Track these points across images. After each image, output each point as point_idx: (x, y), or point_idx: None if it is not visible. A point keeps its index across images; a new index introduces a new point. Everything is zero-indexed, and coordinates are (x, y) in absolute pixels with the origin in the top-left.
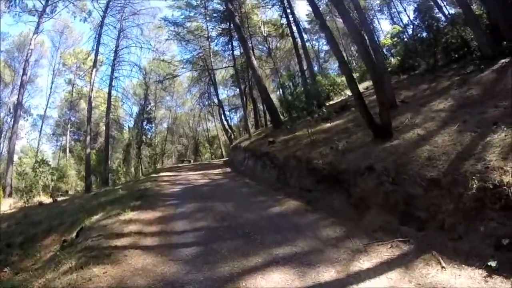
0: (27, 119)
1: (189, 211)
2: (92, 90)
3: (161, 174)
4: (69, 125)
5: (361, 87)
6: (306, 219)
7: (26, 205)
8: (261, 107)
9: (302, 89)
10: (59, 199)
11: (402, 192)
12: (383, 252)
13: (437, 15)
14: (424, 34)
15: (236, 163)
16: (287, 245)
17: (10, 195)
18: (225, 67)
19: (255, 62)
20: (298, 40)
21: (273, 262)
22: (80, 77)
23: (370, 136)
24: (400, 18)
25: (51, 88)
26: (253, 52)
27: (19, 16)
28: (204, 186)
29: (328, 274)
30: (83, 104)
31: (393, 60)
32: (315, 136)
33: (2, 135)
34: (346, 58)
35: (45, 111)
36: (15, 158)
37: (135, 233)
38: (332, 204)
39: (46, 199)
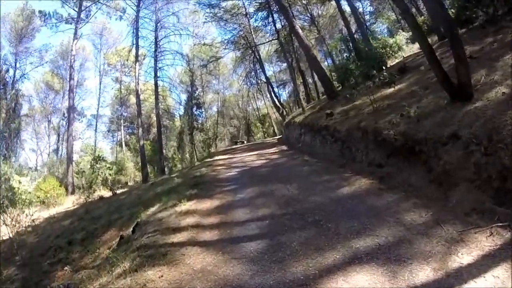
0: (82, 120)
1: (249, 197)
2: (138, 83)
3: (216, 158)
4: (122, 121)
5: (416, 47)
6: (382, 201)
7: (87, 201)
8: (310, 80)
9: (358, 52)
10: (118, 191)
11: (498, 164)
12: (483, 242)
13: None
14: None
15: (291, 140)
16: (368, 235)
17: (72, 192)
18: (269, 41)
19: (300, 31)
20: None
21: (354, 259)
22: (126, 74)
23: (445, 99)
24: None
25: (99, 88)
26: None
27: (56, 27)
28: (262, 168)
29: (423, 273)
30: (133, 99)
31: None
32: (378, 104)
33: (60, 138)
34: (396, 17)
35: (97, 111)
36: (76, 157)
37: (193, 227)
38: (409, 180)
39: (106, 193)
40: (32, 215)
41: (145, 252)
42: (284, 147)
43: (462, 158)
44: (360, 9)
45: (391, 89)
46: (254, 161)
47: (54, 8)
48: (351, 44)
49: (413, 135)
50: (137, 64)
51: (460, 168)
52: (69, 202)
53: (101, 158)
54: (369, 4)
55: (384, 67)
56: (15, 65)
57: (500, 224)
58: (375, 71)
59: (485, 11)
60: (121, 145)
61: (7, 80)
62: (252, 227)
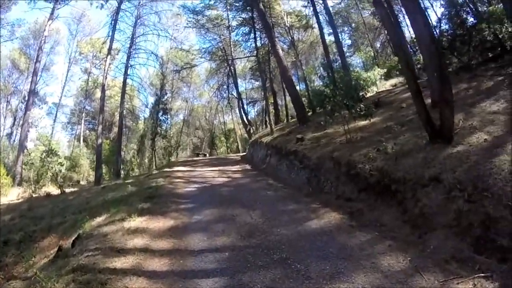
0: (42, 107)
1: (208, 220)
2: (105, 77)
3: (175, 168)
4: (83, 114)
5: (388, 84)
6: (355, 240)
7: (32, 196)
8: (280, 102)
9: (339, 80)
10: (68, 190)
11: (481, 213)
12: None
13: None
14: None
15: (256, 159)
16: (342, 281)
17: (20, 184)
18: (247, 56)
19: (280, 51)
20: (325, 31)
21: None
22: (96, 66)
23: (423, 138)
24: (427, 14)
25: (66, 76)
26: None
27: (34, 2)
28: (223, 186)
29: None
30: (98, 93)
31: (421, 57)
32: (352, 135)
33: (16, 122)
34: (374, 53)
35: (60, 99)
36: (31, 146)
37: (141, 250)
38: (382, 219)
39: (55, 190)
40: None
41: (81, 277)
42: (248, 166)
43: (443, 203)
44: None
45: (365, 122)
46: (216, 178)
47: None
48: (330, 72)
49: (390, 173)
50: (109, 57)
51: (440, 213)
52: (14, 194)
53: (53, 152)
54: (348, 37)
55: (361, 99)
56: None
57: (483, 274)
58: (352, 102)
59: (459, 59)
60: (79, 140)
61: None
62: (209, 259)
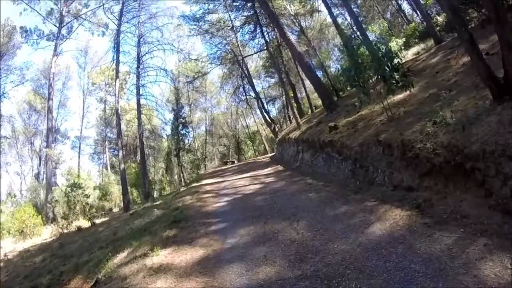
0: (65, 142)
1: (244, 243)
2: (118, 102)
3: (203, 182)
4: (106, 142)
5: (410, 53)
6: (438, 245)
7: (63, 232)
8: (299, 94)
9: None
10: (98, 221)
11: None
12: None
13: None
14: None
15: (287, 158)
16: None
17: (53, 221)
18: (258, 51)
19: (292, 38)
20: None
21: None
22: (111, 93)
23: (484, 99)
24: None
25: (83, 108)
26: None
27: (37, 44)
28: (257, 195)
29: None
30: None
31: (439, 18)
32: (393, 111)
33: (41, 162)
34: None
35: (81, 132)
36: (63, 181)
37: None
38: (461, 209)
39: (86, 223)
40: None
41: None
42: (280, 167)
43: None
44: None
45: (402, 95)
46: (247, 186)
47: (35, 24)
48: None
49: (462, 147)
50: (117, 80)
51: None
52: (47, 233)
53: (76, 185)
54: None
55: (398, 68)
56: None
57: None
58: (390, 71)
59: (480, 11)
60: (107, 168)
61: None
62: None
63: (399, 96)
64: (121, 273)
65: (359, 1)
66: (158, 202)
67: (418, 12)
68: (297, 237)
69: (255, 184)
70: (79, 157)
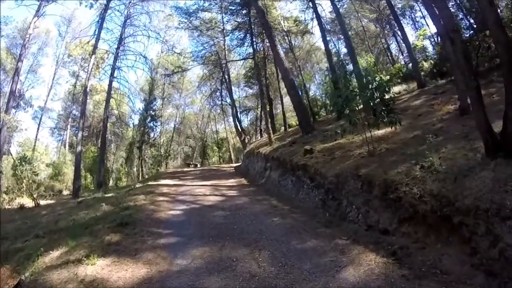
0: (27, 110)
1: (195, 268)
2: (89, 79)
3: (161, 181)
4: (70, 119)
5: (395, 90)
6: None
7: (6, 208)
8: (274, 110)
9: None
10: (44, 202)
11: None
12: None
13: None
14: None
15: (252, 172)
16: None
17: None
18: (243, 58)
19: (281, 52)
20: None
21: None
22: (85, 70)
23: (474, 152)
24: (426, 23)
25: (53, 79)
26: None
27: (21, 0)
28: (217, 209)
29: None
30: (88, 99)
31: (425, 64)
32: (374, 146)
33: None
34: (374, 60)
35: (45, 103)
36: (17, 151)
37: None
38: (441, 263)
39: (30, 202)
40: None
41: None
42: (244, 181)
43: None
44: (334, 49)
45: (384, 131)
46: (207, 196)
47: None
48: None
49: (453, 200)
50: (93, 56)
51: None
52: None
53: (26, 160)
54: (343, 46)
55: (388, 103)
56: None
57: None
58: (381, 104)
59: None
60: (65, 146)
61: None
62: None
63: (380, 132)
64: (48, 280)
65: (350, 33)
66: (109, 195)
67: (403, 54)
68: (259, 271)
69: (216, 195)
70: (38, 129)
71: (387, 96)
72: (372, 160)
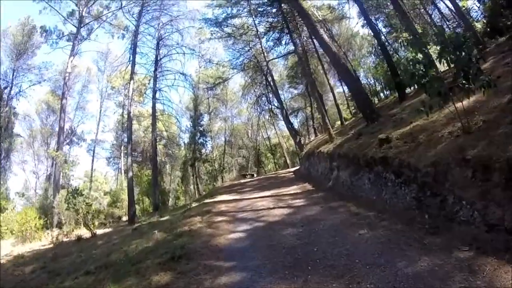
0: (81, 145)
1: None
2: (130, 104)
3: (218, 198)
4: (122, 147)
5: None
6: None
7: (61, 241)
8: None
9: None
10: (101, 231)
11: None
12: None
13: None
14: None
15: (315, 175)
16: None
17: (58, 225)
18: (284, 55)
19: (326, 37)
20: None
21: None
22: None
23: None
24: None
25: (100, 111)
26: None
27: (56, 44)
28: (286, 225)
29: None
30: (136, 125)
31: (477, 25)
32: (468, 120)
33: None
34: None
35: (96, 135)
36: (78, 184)
37: None
38: None
39: (87, 233)
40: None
41: None
42: (308, 186)
43: None
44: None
45: (466, 101)
46: (271, 210)
47: (55, 24)
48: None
49: None
50: (131, 82)
51: None
52: (48, 238)
53: (78, 192)
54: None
55: (478, 60)
56: (12, 81)
57: None
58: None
59: None
60: (121, 173)
61: (3, 96)
62: None
63: (464, 102)
64: None
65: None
66: (165, 218)
67: (448, 21)
68: None
69: (281, 207)
70: (92, 160)
71: (474, 52)
72: (472, 138)
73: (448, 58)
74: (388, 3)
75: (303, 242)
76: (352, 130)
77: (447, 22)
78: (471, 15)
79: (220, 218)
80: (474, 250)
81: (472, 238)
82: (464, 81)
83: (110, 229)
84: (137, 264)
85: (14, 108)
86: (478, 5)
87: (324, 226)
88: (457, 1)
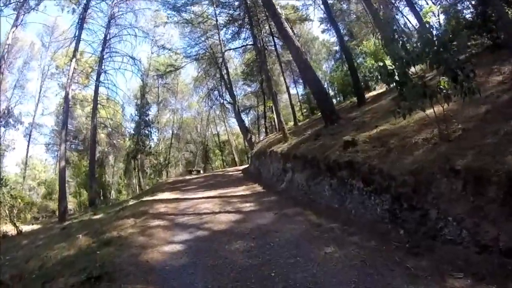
0: (18, 128)
1: None
2: (70, 86)
3: (159, 196)
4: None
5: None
6: None
7: None
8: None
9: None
10: (28, 228)
11: None
12: None
13: None
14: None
15: (267, 176)
16: None
17: None
18: (242, 46)
19: (289, 30)
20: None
21: None
22: (74, 80)
23: None
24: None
25: (40, 92)
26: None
27: (1, 11)
28: (234, 237)
29: None
30: (79, 110)
31: None
32: (446, 126)
33: None
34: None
35: (33, 118)
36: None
37: None
38: None
39: (13, 229)
40: None
41: None
42: (258, 187)
43: None
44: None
45: (437, 108)
46: (217, 215)
47: None
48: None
49: None
50: (74, 60)
51: None
52: None
53: (1, 182)
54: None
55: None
56: None
57: None
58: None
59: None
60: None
61: None
62: None
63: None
64: None
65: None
66: (98, 216)
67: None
68: None
69: (229, 211)
70: (28, 146)
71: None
72: (454, 146)
73: (433, 58)
74: (352, 11)
75: (256, 262)
76: (308, 131)
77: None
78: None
79: (156, 222)
80: (470, 277)
81: (463, 261)
82: (446, 85)
83: (39, 226)
84: (49, 282)
85: None
86: (442, 23)
87: (281, 240)
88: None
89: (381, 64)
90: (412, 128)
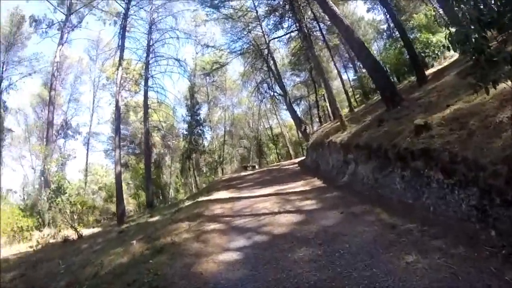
0: (77, 138)
1: None
2: (119, 92)
3: (214, 195)
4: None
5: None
6: None
7: (49, 242)
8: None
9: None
10: (88, 231)
11: None
12: None
13: None
14: None
15: (326, 168)
16: None
17: (49, 225)
18: (287, 33)
19: (335, 7)
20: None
21: None
22: (125, 89)
23: None
24: None
25: (93, 103)
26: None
27: (46, 34)
28: (298, 243)
29: None
30: (132, 116)
31: None
32: None
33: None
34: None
35: (89, 127)
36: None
37: None
38: None
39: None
40: None
41: None
42: (317, 181)
43: None
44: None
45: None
46: (276, 216)
47: (44, 12)
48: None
49: None
50: (120, 68)
51: None
52: (36, 239)
53: (60, 190)
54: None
55: None
56: (2, 74)
57: None
58: None
59: None
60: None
61: None
62: None
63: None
64: None
65: None
66: (155, 218)
67: None
68: None
69: (288, 211)
70: (87, 153)
71: None
72: None
73: None
74: None
75: (326, 275)
76: (368, 117)
77: None
78: None
79: (212, 226)
80: None
81: None
82: None
83: (99, 229)
84: None
85: (5, 102)
86: None
87: (352, 246)
88: None
89: (453, 30)
90: (492, 105)
